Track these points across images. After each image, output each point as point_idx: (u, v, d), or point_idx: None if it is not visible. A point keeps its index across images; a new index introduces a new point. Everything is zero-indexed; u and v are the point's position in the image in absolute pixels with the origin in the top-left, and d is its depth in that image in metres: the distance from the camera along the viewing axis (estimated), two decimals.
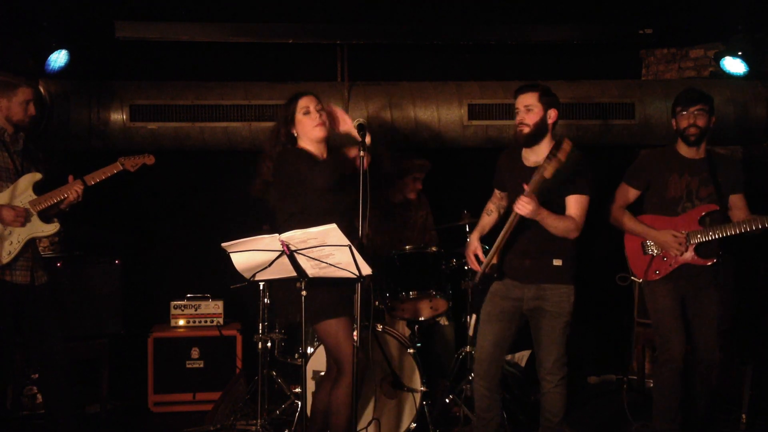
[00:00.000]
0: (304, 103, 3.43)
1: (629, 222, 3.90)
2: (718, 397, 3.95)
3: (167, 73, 5.19)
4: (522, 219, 3.38)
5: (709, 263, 3.70)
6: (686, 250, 3.72)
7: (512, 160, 3.69)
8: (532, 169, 3.55)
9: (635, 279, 3.88)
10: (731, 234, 3.64)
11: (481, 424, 3.70)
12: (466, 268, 4.42)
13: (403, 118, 4.99)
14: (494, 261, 3.61)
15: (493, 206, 3.86)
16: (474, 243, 3.74)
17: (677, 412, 3.80)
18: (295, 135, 3.47)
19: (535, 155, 3.57)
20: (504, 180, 3.75)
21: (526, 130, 3.51)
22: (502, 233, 3.50)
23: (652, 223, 3.82)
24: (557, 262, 3.53)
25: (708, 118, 3.75)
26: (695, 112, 3.73)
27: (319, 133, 3.41)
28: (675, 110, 3.83)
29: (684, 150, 3.81)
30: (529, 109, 3.50)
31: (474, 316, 4.45)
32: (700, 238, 3.69)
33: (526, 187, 3.30)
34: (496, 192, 3.85)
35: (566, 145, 3.19)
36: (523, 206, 3.29)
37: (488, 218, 3.85)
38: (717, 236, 3.66)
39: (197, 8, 4.97)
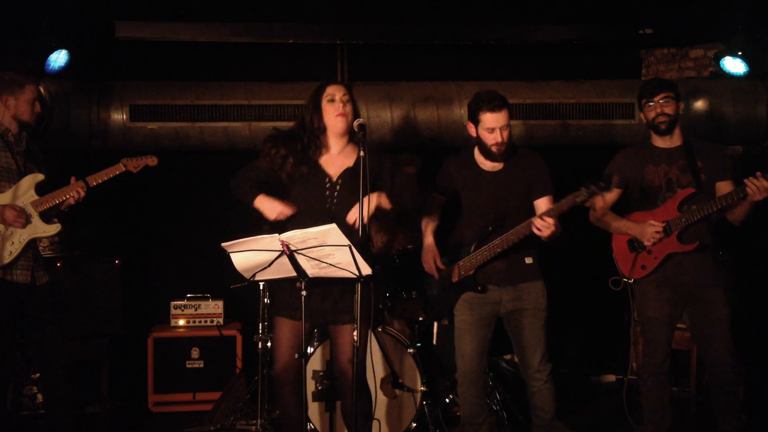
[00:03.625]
0: (331, 90, 3.35)
1: (612, 221, 3.79)
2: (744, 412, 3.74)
3: (167, 73, 5.19)
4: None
5: (690, 248, 3.54)
6: (668, 238, 3.58)
7: (465, 166, 3.65)
8: (493, 174, 3.55)
9: (627, 281, 3.76)
10: (712, 211, 3.48)
11: (473, 430, 3.70)
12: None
13: (403, 118, 4.99)
14: (470, 273, 3.59)
15: (435, 210, 3.81)
16: (434, 248, 3.70)
17: (665, 415, 3.74)
18: (324, 125, 3.36)
19: (491, 161, 3.57)
20: (453, 185, 3.69)
21: (504, 147, 3.50)
22: (492, 247, 3.48)
23: (635, 220, 3.71)
24: (529, 260, 3.58)
25: (676, 105, 3.64)
26: (661, 101, 3.64)
27: (340, 123, 3.32)
28: (641, 103, 3.74)
29: (658, 141, 3.72)
30: (505, 128, 3.48)
31: (436, 324, 4.42)
32: (682, 224, 3.55)
33: (551, 208, 3.36)
34: (438, 197, 3.78)
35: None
36: (546, 228, 3.31)
37: (434, 223, 3.80)
38: (698, 217, 3.51)
39: (197, 8, 4.97)
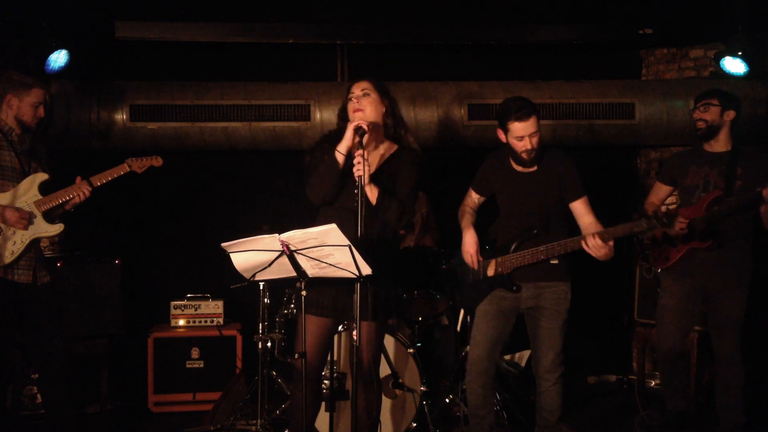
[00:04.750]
0: (353, 88, 3.35)
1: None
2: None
3: (167, 73, 5.19)
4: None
5: (705, 245, 3.71)
6: (690, 234, 3.75)
7: (501, 166, 3.66)
8: (527, 175, 3.56)
9: (656, 270, 4.01)
10: (729, 209, 3.66)
11: (475, 423, 3.69)
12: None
13: (402, 118, 4.97)
14: (508, 272, 3.58)
15: (472, 208, 3.80)
16: (476, 240, 3.65)
17: (683, 390, 3.90)
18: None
19: (522, 167, 3.58)
20: (491, 185, 3.70)
21: (534, 153, 3.50)
22: (536, 253, 3.48)
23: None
24: (554, 261, 3.56)
25: (718, 112, 3.80)
26: (701, 107, 3.84)
27: (354, 119, 3.27)
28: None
29: (706, 145, 3.89)
30: (534, 134, 3.47)
31: (462, 311, 4.45)
32: (703, 222, 3.71)
33: (605, 231, 3.37)
34: (474, 194, 3.78)
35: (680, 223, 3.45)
36: (597, 250, 3.34)
37: (473, 219, 3.77)
38: (716, 216, 3.68)
39: (197, 8, 4.97)
